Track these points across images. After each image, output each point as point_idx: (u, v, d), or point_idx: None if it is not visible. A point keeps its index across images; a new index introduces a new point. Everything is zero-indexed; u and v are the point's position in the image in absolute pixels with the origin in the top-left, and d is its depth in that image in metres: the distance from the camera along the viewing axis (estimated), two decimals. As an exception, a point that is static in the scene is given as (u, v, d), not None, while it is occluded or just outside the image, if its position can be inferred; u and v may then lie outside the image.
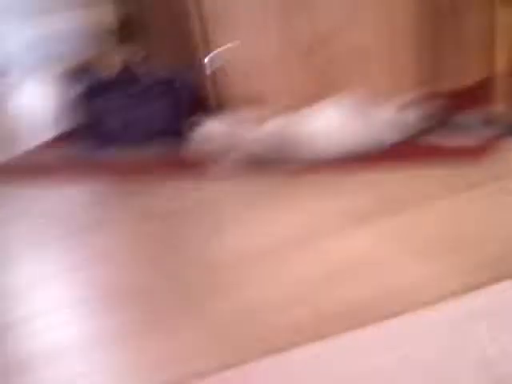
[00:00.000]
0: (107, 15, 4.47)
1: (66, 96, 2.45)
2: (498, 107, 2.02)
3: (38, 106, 3.32)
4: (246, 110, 2.10)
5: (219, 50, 2.24)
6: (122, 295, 1.43)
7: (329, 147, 1.89)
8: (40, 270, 1.63)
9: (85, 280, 1.53)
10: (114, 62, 2.53)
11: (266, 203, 1.79)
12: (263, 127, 1.98)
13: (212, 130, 2.06)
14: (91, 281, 1.52)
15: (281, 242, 1.54)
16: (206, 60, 2.27)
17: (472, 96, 2.22)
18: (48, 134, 2.62)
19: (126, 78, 2.43)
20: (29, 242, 1.81)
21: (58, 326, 1.36)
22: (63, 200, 2.07)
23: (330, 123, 1.92)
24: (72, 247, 1.71)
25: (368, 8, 2.25)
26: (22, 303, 1.49)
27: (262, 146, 1.95)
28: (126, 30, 4.29)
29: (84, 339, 1.30)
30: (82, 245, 1.71)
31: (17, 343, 1.32)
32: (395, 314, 1.17)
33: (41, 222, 1.93)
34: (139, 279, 1.49)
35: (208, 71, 2.28)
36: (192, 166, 2.05)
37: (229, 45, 2.22)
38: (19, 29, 4.36)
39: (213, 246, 1.58)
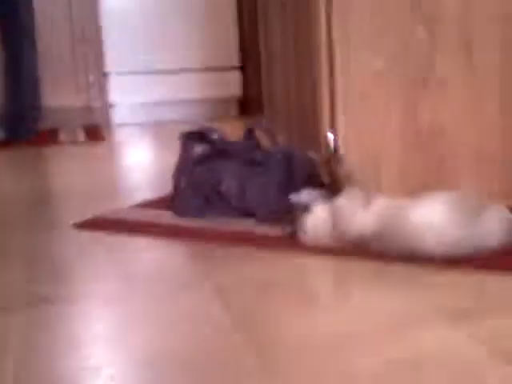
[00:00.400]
0: (235, 84, 4.64)
1: (186, 156, 2.53)
2: None
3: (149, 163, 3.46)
4: (356, 193, 2.13)
5: (340, 133, 2.29)
6: (191, 360, 1.46)
7: (432, 239, 1.89)
8: (119, 322, 1.69)
9: (161, 342, 1.57)
10: (238, 128, 2.61)
11: (361, 286, 1.80)
12: (370, 211, 2.00)
13: (319, 210, 2.09)
14: (167, 343, 1.56)
15: (370, 327, 1.54)
16: (327, 140, 2.32)
17: None
18: (157, 193, 2.72)
19: (248, 145, 2.51)
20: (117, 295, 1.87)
21: None
22: (160, 257, 2.13)
23: (436, 216, 1.91)
24: (158, 308, 1.76)
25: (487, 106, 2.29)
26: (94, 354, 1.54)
27: (366, 230, 1.97)
28: (254, 101, 4.43)
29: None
30: (167, 306, 1.76)
31: None
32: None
33: (137, 276, 2.00)
34: (218, 344, 1.52)
35: (328, 151, 2.33)
36: (294, 243, 2.11)
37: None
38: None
39: (298, 325, 1.59)
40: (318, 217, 2.08)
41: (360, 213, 2.00)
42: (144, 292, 1.84)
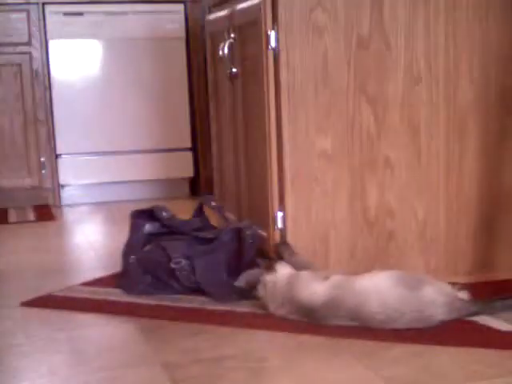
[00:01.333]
0: (187, 165, 4.68)
1: (136, 234, 2.55)
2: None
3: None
4: (306, 268, 2.17)
5: (289, 212, 2.33)
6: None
7: (375, 303, 1.94)
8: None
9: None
10: (189, 208, 2.64)
11: (312, 359, 1.82)
12: (319, 284, 2.04)
13: (271, 280, 2.13)
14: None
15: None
16: (276, 218, 2.36)
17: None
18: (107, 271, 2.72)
19: (197, 222, 2.54)
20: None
21: None
22: (110, 333, 2.12)
23: (380, 283, 1.97)
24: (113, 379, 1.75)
25: (431, 188, 2.37)
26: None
27: (317, 298, 2.01)
28: (205, 181, 4.47)
29: None
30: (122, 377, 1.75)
31: None
32: None
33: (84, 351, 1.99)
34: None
35: (276, 228, 2.37)
36: (245, 318, 2.12)
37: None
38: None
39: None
40: (273, 283, 2.13)
41: (313, 283, 2.05)
42: (93, 367, 1.83)
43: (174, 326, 2.11)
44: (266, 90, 2.35)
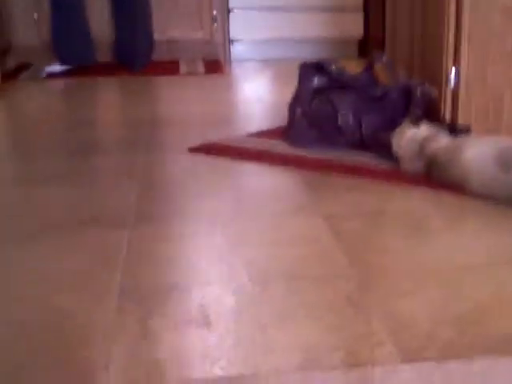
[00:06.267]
0: (357, 25, 4.56)
1: (304, 86, 2.51)
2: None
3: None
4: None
5: (463, 70, 2.23)
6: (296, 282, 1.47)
7: (477, 190, 1.89)
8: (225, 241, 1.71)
9: (266, 262, 1.58)
10: (359, 64, 2.57)
11: (471, 222, 1.77)
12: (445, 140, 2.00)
13: (409, 135, 2.09)
14: (272, 263, 1.57)
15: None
16: (450, 75, 2.27)
17: None
18: (273, 123, 2.73)
19: (366, 79, 2.47)
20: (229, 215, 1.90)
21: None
22: (273, 183, 2.14)
23: (480, 169, 1.90)
24: (266, 229, 1.77)
25: None
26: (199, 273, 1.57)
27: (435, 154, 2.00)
28: (374, 42, 4.35)
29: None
30: (276, 228, 1.77)
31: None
32: None
33: (250, 198, 2.02)
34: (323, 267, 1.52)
35: (449, 87, 2.28)
36: (404, 176, 2.09)
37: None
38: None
39: (404, 255, 1.58)
40: (407, 137, 2.11)
41: (438, 138, 2.04)
42: (253, 214, 1.86)
43: (338, 180, 2.10)
44: None
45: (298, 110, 2.45)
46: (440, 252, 1.57)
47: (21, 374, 1.13)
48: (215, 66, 4.30)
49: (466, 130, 2.17)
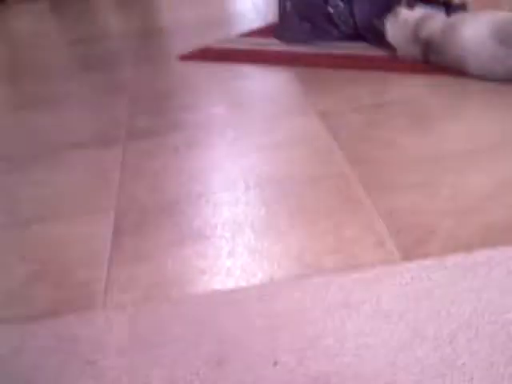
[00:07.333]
0: None
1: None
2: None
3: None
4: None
5: None
6: (305, 181, 1.42)
7: (475, 73, 1.81)
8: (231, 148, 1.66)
9: (271, 162, 1.54)
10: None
11: (476, 106, 1.70)
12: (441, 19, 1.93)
13: (404, 18, 2.02)
14: (276, 164, 1.53)
15: (485, 147, 1.46)
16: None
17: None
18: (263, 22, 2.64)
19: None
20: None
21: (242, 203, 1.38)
22: (266, 83, 2.07)
23: (477, 49, 1.81)
24: (264, 130, 1.72)
25: None
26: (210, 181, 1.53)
27: (433, 33, 1.93)
28: None
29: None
30: (282, 126, 1.72)
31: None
32: None
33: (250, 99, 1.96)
34: (325, 168, 1.47)
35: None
36: (398, 64, 2.02)
37: None
38: None
39: (406, 144, 1.52)
40: (401, 21, 2.03)
41: (433, 19, 1.95)
42: (249, 118, 1.80)
43: (334, 74, 2.03)
44: None
45: (288, 3, 2.36)
46: (443, 141, 1.51)
47: (20, 298, 1.11)
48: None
49: (462, 7, 2.08)
